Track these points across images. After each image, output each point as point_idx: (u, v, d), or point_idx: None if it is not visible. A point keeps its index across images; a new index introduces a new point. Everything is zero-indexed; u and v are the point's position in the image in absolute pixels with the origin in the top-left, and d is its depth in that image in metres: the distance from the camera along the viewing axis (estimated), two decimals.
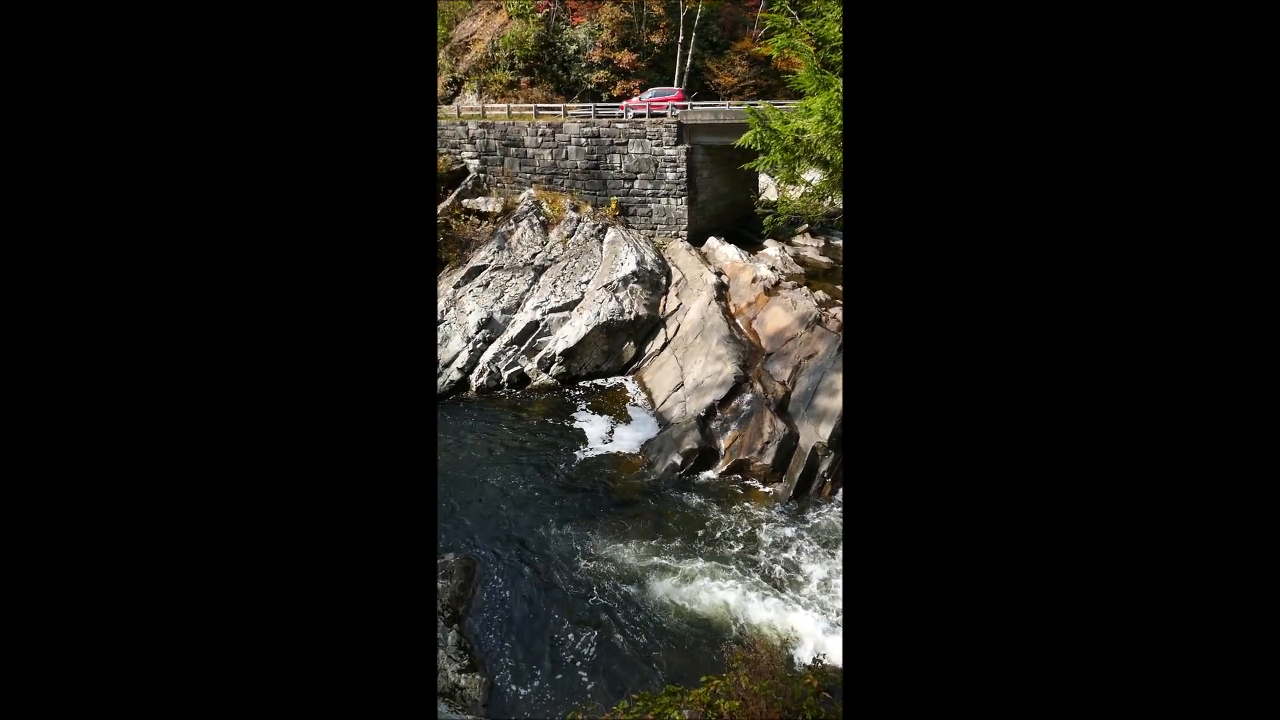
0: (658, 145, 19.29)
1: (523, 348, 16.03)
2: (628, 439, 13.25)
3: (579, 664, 8.19)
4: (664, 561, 9.78)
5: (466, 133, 21.97)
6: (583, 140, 20.23)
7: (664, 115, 19.42)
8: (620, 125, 19.73)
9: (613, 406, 14.65)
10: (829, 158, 9.33)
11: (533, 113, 21.59)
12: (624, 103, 21.97)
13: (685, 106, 20.00)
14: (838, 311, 14.58)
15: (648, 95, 21.83)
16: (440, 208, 21.31)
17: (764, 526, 10.50)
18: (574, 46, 24.83)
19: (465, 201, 21.53)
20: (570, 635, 8.60)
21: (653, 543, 10.20)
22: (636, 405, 14.65)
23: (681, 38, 23.87)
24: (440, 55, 26.22)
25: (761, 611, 8.78)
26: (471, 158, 22.18)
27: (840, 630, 7.93)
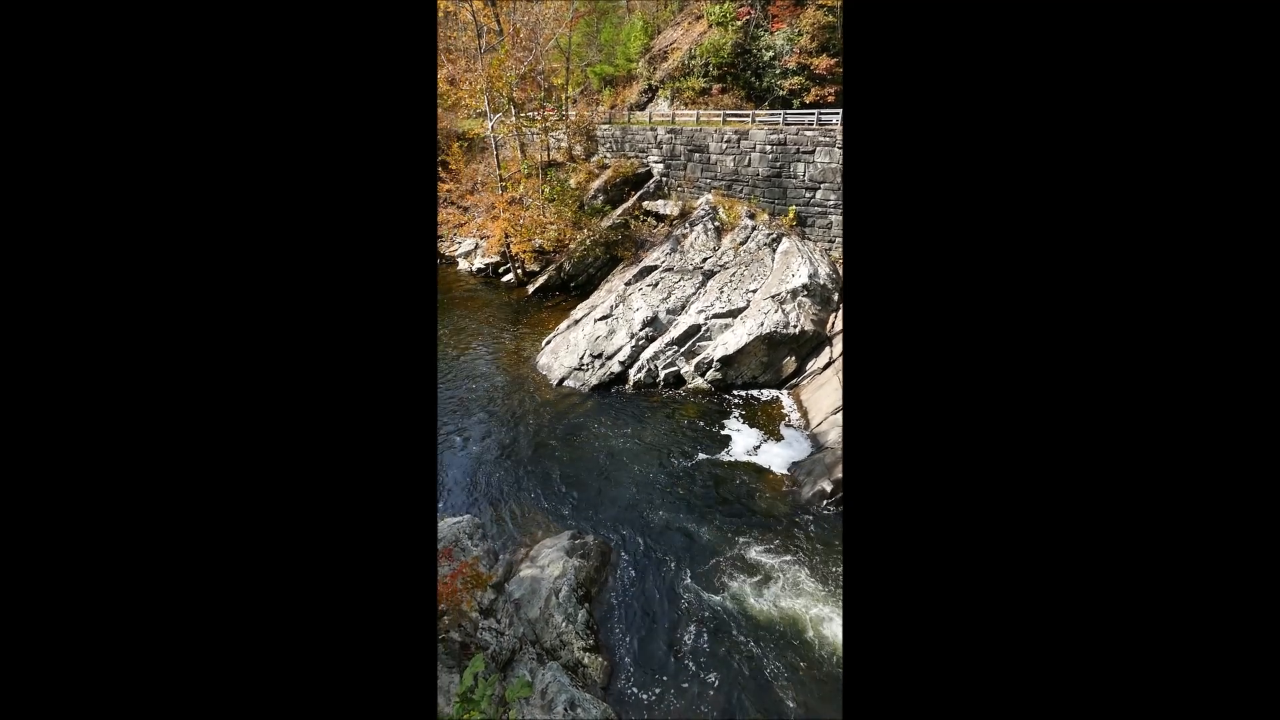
0: None
1: (682, 349, 16.27)
2: (776, 456, 12.81)
3: (697, 672, 8.12)
4: (799, 590, 9.30)
5: (654, 137, 22.84)
6: (767, 148, 19.94)
7: None
8: (808, 134, 19.08)
9: (765, 420, 14.27)
10: None
11: (720, 119, 21.78)
12: None
13: None
14: None
15: None
16: (621, 208, 22.45)
17: None
18: (770, 53, 24.54)
19: (645, 203, 22.43)
20: (691, 640, 8.56)
21: (789, 568, 9.75)
22: (790, 424, 14.11)
23: None
24: (640, 63, 27.56)
25: None
26: (656, 162, 23.02)
27: None
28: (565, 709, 7.00)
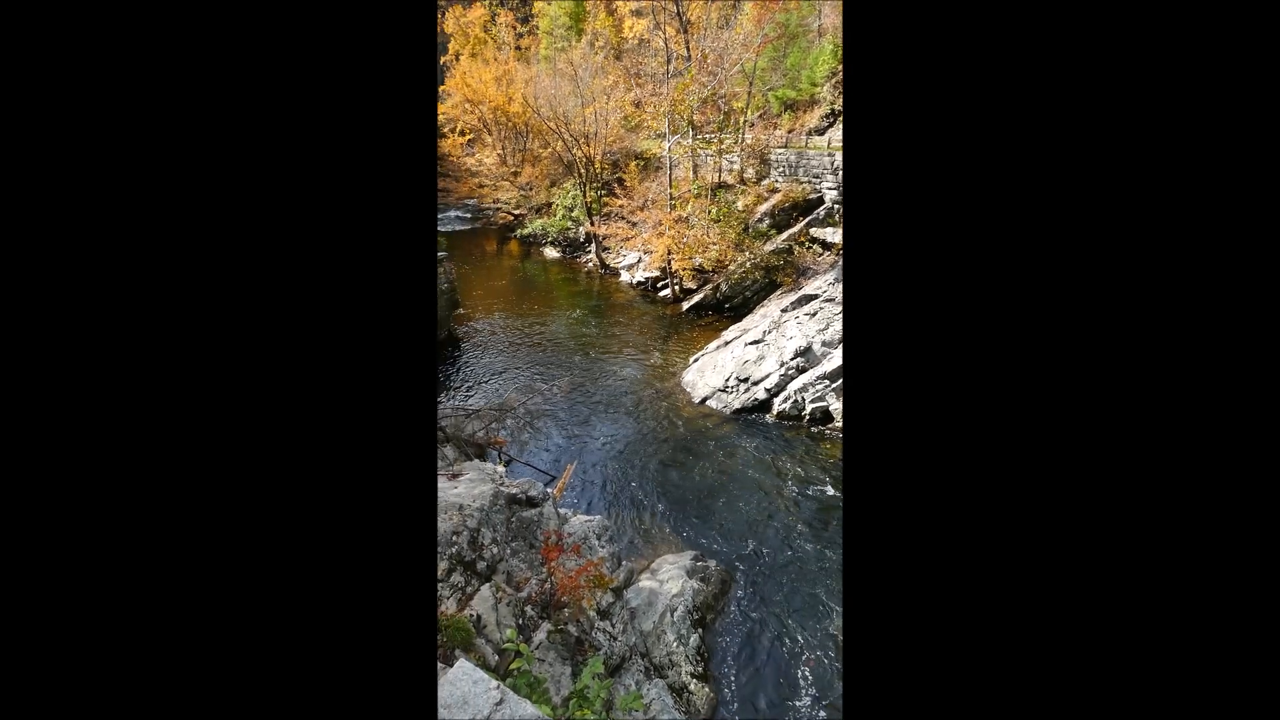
0: None
1: (834, 384, 15.45)
2: None
3: None
4: None
5: (830, 163, 22.11)
6: None
7: None
8: None
9: None
10: None
11: None
12: None
13: None
14: None
15: None
16: (787, 234, 22.00)
17: None
18: None
19: (813, 230, 21.76)
20: (806, 694, 8.00)
21: None
22: None
23: None
24: (824, 88, 26.93)
25: None
26: (830, 188, 22.26)
27: None
28: None
